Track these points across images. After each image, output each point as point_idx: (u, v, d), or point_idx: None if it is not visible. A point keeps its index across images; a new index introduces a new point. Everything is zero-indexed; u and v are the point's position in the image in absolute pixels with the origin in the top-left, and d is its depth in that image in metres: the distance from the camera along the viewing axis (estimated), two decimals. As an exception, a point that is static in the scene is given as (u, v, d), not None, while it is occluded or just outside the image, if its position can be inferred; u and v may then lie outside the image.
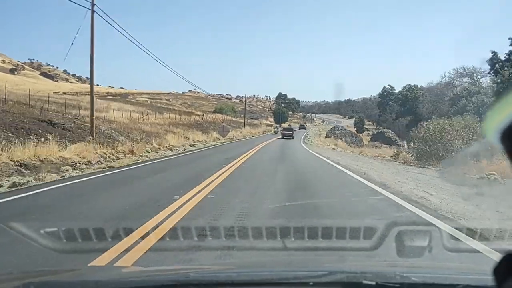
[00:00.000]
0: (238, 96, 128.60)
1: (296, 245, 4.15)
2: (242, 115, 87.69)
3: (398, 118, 62.85)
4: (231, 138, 37.55)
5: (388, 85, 76.99)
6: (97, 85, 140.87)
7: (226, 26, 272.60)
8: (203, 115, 60.16)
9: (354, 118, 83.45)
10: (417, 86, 64.37)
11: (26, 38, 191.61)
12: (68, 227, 4.35)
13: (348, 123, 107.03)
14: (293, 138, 45.31)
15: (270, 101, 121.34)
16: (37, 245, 3.92)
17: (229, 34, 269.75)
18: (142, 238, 4.25)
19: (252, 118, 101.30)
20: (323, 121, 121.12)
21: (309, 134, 59.23)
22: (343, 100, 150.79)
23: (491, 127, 0.94)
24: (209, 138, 34.25)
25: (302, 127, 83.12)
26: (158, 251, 3.94)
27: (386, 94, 75.91)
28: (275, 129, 57.79)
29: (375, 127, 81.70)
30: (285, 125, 79.26)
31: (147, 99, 79.76)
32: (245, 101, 67.32)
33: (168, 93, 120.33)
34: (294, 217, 5.53)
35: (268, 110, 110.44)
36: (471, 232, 4.74)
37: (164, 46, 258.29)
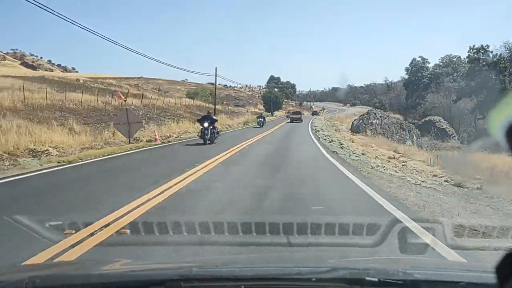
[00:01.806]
0: (230, 87, 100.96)
1: (299, 240, 3.97)
2: (223, 102, 73.57)
3: (461, 98, 34.01)
4: (155, 141, 20.28)
5: (420, 57, 49.34)
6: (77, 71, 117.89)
7: (222, 15, 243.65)
8: (142, 95, 40.21)
9: (375, 104, 54.15)
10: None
11: (10, 29, 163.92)
12: None
13: (354, 111, 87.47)
14: (301, 121, 47.95)
15: (261, 90, 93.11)
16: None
17: (225, 25, 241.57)
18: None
19: (237, 105, 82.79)
20: (323, 109, 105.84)
21: (318, 127, 38.07)
22: (344, 87, 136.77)
23: (497, 122, 0.91)
24: (98, 139, 18.49)
25: (314, 113, 79.86)
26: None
27: (417, 70, 47.34)
28: (260, 119, 41.93)
29: (399, 115, 52.36)
30: (279, 113, 76.20)
31: (79, 78, 50.06)
32: (216, 76, 39.92)
33: (139, 78, 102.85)
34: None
35: (258, 97, 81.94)
36: None
37: (162, 35, 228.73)
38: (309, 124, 41.33)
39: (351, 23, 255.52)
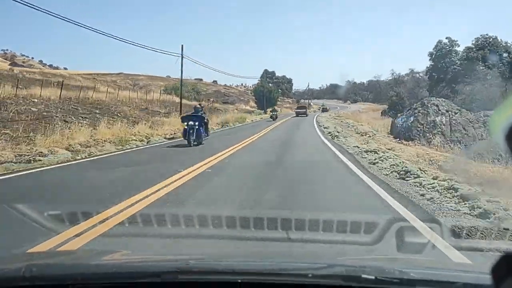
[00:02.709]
0: (224, 84, 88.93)
1: (297, 236, 4.03)
2: (209, 98, 61.99)
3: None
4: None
5: (447, 38, 33.21)
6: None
7: (220, 16, 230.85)
8: (62, 83, 27.68)
9: (391, 97, 37.95)
10: None
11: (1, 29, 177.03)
12: None
13: (359, 108, 79.39)
14: (306, 116, 50.48)
15: (253, 86, 78.77)
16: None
17: (222, 25, 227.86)
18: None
19: (225, 102, 68.02)
20: (323, 105, 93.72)
21: (331, 129, 24.73)
22: (343, 84, 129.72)
23: (498, 124, 0.92)
24: None
25: (324, 110, 74.67)
26: None
27: (444, 54, 30.71)
28: (191, 123, 15.06)
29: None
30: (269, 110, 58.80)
31: (13, 68, 33.07)
32: (182, 58, 24.51)
33: (118, 74, 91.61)
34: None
35: (251, 93, 67.05)
36: None
37: (161, 35, 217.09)
38: (315, 124, 29.02)
39: (350, 19, 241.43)
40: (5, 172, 9.97)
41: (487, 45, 47.64)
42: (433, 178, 8.35)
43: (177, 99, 47.92)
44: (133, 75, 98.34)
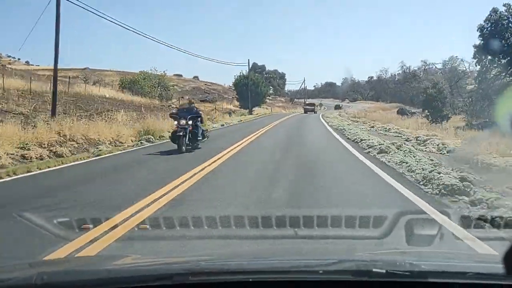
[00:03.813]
0: (205, 80, 69.44)
1: (306, 233, 4.09)
2: (183, 96, 46.75)
3: None
4: None
5: (505, 5, 12.03)
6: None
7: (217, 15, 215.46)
8: None
9: (426, 90, 18.68)
10: None
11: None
12: None
13: (363, 107, 66.98)
14: (315, 113, 51.20)
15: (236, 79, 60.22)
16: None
17: (218, 24, 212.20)
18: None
19: (203, 101, 52.65)
20: (320, 105, 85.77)
21: (411, 159, 9.27)
22: (340, 83, 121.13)
23: (505, 112, 0.95)
24: None
25: (337, 107, 73.67)
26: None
27: (503, 28, 10.20)
28: None
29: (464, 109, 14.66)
30: (259, 109, 48.45)
31: None
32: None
33: (83, 69, 76.48)
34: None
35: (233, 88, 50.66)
36: None
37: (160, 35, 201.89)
38: (337, 136, 17.77)
39: (348, 18, 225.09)
40: None
41: None
42: None
43: (132, 97, 33.02)
44: (101, 71, 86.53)
